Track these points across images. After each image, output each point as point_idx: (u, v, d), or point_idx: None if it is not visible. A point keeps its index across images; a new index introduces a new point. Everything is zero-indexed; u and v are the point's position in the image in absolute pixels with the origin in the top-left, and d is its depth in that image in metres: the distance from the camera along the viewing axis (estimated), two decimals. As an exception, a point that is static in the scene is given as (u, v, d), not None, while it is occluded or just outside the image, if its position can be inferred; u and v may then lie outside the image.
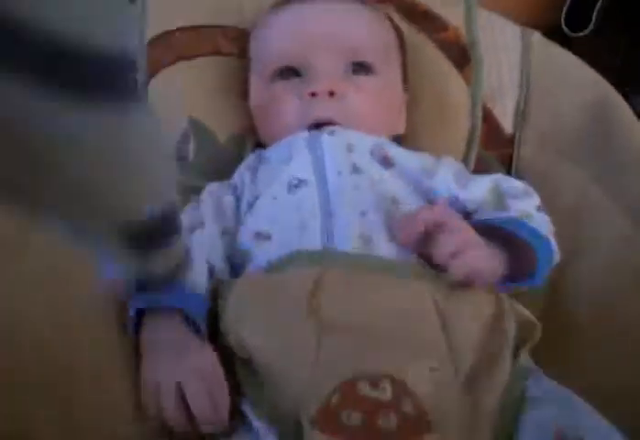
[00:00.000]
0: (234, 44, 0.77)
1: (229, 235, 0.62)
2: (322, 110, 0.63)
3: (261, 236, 0.58)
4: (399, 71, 0.72)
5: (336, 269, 0.53)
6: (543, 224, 0.59)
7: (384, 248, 0.55)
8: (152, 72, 0.74)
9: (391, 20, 0.75)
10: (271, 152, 0.65)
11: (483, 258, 0.52)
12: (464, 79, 0.77)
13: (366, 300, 0.51)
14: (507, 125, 0.78)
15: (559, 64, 0.80)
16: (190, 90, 0.74)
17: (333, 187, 0.59)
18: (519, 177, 0.74)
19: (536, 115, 0.77)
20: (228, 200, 0.64)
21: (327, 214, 0.57)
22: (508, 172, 0.76)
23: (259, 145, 0.72)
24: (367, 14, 0.71)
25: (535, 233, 0.57)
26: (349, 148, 0.61)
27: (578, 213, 0.68)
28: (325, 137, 0.62)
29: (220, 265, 0.60)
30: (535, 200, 0.63)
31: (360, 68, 0.66)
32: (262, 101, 0.69)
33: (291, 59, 0.66)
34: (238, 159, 0.71)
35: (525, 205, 0.61)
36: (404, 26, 0.78)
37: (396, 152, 0.63)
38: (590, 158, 0.70)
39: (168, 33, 0.75)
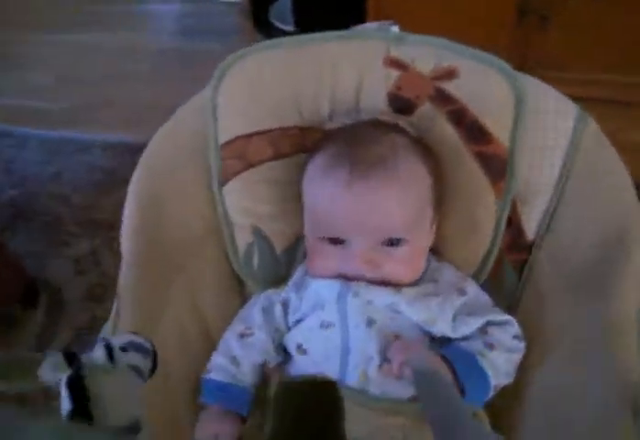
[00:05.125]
0: (293, 144, 0.81)
1: (279, 333, 0.77)
2: (359, 273, 0.73)
3: (301, 349, 0.74)
4: (430, 215, 0.76)
5: None
6: (498, 359, 0.69)
7: (377, 386, 0.69)
8: (225, 180, 0.82)
9: (430, 159, 0.76)
10: (313, 283, 0.76)
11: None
12: (496, 193, 0.78)
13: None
14: (530, 231, 0.80)
15: (598, 171, 0.77)
16: (256, 199, 0.82)
17: (352, 335, 0.71)
18: (524, 289, 0.80)
19: (558, 230, 0.78)
20: (278, 309, 0.78)
21: (346, 353, 0.71)
22: (519, 278, 0.80)
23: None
24: (408, 187, 0.72)
25: (470, 370, 0.68)
26: (369, 303, 0.71)
27: (555, 340, 0.73)
28: (350, 297, 0.71)
29: (271, 357, 0.77)
30: (514, 330, 0.73)
31: (393, 241, 0.72)
32: (309, 247, 0.77)
33: (333, 234, 0.73)
34: (290, 267, 0.82)
35: (503, 334, 0.72)
36: (451, 132, 0.78)
37: (405, 308, 0.71)
38: (585, 294, 0.72)
39: (238, 139, 0.80)
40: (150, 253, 0.76)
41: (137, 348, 0.48)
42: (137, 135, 1.84)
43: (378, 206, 0.71)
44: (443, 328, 0.71)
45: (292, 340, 0.75)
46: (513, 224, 0.80)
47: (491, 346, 0.70)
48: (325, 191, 0.73)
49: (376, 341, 0.69)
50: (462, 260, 0.80)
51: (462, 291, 0.74)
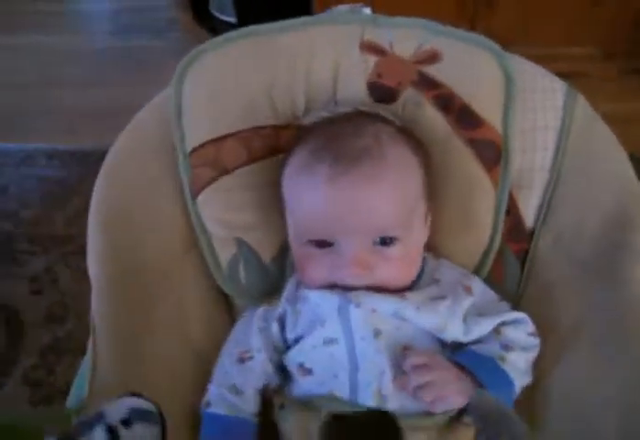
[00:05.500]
0: (267, 145, 0.74)
1: (278, 353, 0.70)
2: (352, 280, 0.65)
3: (304, 369, 0.66)
4: (423, 209, 0.69)
5: None
6: (518, 360, 0.64)
7: (394, 401, 0.62)
8: (197, 190, 0.73)
9: (419, 148, 0.69)
10: (308, 295, 0.68)
11: (451, 389, 0.61)
12: (492, 181, 0.72)
13: None
14: (529, 218, 0.75)
15: (594, 148, 0.73)
16: (234, 208, 0.74)
17: (359, 350, 0.64)
18: (529, 279, 0.75)
19: (559, 214, 0.74)
20: (275, 327, 0.70)
21: (355, 370, 0.64)
22: (522, 268, 0.76)
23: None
24: (398, 179, 0.65)
25: (493, 376, 0.63)
26: (373, 312, 0.64)
27: (567, 336, 0.68)
28: (352, 308, 0.64)
29: (274, 380, 0.69)
30: (529, 327, 0.67)
31: (386, 239, 0.65)
32: (296, 253, 0.69)
33: (321, 236, 0.65)
34: (281, 277, 0.75)
35: (518, 333, 0.66)
36: (439, 118, 0.72)
37: (412, 315, 0.65)
38: (594, 282, 0.68)
39: (207, 144, 0.72)
40: (124, 278, 0.67)
41: (141, 416, 0.40)
42: (81, 141, 1.74)
43: (365, 202, 0.63)
44: (454, 333, 0.66)
45: (292, 360, 0.68)
46: (511, 212, 0.75)
47: (508, 348, 0.65)
48: (306, 189, 0.65)
49: (386, 353, 0.63)
50: (461, 255, 0.74)
51: (469, 290, 0.68)
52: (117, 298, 0.66)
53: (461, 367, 0.63)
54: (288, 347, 0.69)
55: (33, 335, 1.35)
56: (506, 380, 0.63)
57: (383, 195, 0.63)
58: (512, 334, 0.66)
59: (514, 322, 0.67)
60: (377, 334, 0.64)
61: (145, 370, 0.65)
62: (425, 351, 0.64)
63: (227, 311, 0.80)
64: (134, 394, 0.44)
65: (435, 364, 0.62)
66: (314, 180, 0.64)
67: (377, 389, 0.62)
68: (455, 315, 0.65)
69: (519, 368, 0.64)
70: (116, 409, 0.41)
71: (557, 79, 0.75)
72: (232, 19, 2.02)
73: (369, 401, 0.62)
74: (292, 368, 0.68)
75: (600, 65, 1.89)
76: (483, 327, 0.66)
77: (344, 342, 0.64)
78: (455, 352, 0.66)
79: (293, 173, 0.68)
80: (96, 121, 1.74)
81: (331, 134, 0.67)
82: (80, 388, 0.61)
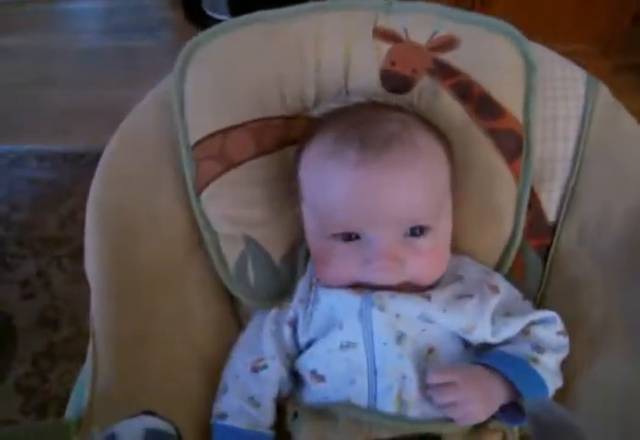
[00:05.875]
0: (277, 137, 0.69)
1: (290, 358, 0.65)
2: (381, 278, 0.60)
3: (317, 376, 0.62)
4: (450, 199, 0.65)
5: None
6: (550, 362, 0.60)
7: (416, 407, 0.58)
8: (202, 186, 0.68)
9: (443, 137, 0.65)
10: (324, 296, 0.64)
11: (476, 405, 0.57)
12: (513, 173, 0.68)
13: None
14: (551, 212, 0.71)
15: (617, 137, 0.69)
16: (238, 204, 0.69)
17: (379, 354, 0.59)
18: (552, 275, 0.71)
19: (582, 206, 0.70)
20: (287, 332, 0.65)
21: (373, 374, 0.59)
22: (544, 264, 0.72)
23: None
24: (428, 167, 0.61)
25: (526, 379, 0.58)
26: (397, 316, 0.60)
27: (595, 335, 0.65)
28: (375, 312, 0.59)
29: (287, 386, 0.65)
30: (558, 326, 0.63)
31: (417, 229, 0.61)
32: (318, 250, 0.64)
33: (348, 227, 0.60)
34: (292, 277, 0.70)
35: (548, 332, 0.62)
36: (457, 108, 0.68)
37: (439, 317, 0.60)
38: (620, 278, 0.64)
39: (212, 136, 0.67)
40: (124, 279, 0.63)
41: (158, 438, 0.35)
42: (70, 142, 1.69)
43: (397, 189, 0.58)
44: (482, 334, 0.61)
45: (304, 366, 0.63)
46: (532, 205, 0.71)
47: (539, 349, 0.60)
48: (332, 177, 0.60)
49: (410, 358, 0.59)
50: (482, 252, 0.70)
51: (495, 289, 0.64)
52: (117, 300, 0.61)
53: (490, 368, 0.58)
54: (300, 352, 0.65)
55: (25, 342, 1.30)
56: (540, 383, 0.58)
57: (415, 182, 0.59)
58: (541, 333, 0.62)
59: (544, 321, 0.63)
60: (400, 338, 0.59)
61: (149, 377, 0.60)
62: (450, 363, 0.60)
63: (234, 313, 0.75)
64: (148, 412, 0.39)
65: (461, 380, 0.57)
66: (341, 166, 0.59)
67: (398, 394, 0.58)
68: (483, 315, 0.61)
69: (551, 369, 0.60)
70: (130, 429, 0.36)
71: (577, 68, 0.72)
72: (226, 17, 1.97)
73: (389, 407, 0.58)
74: (305, 374, 0.63)
75: (596, 62, 1.87)
76: (512, 328, 0.62)
77: (363, 346, 0.60)
78: (483, 353, 0.61)
79: (315, 160, 0.63)
80: (89, 122, 1.69)
81: (355, 120, 0.63)
82: (80, 395, 0.57)
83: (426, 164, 0.60)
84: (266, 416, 0.62)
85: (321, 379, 0.61)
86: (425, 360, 0.60)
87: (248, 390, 0.62)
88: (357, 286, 0.62)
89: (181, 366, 0.65)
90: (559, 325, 0.63)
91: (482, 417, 0.57)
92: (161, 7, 2.21)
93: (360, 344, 0.60)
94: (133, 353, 0.60)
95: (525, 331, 0.62)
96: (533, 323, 0.62)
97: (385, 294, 0.60)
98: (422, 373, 0.59)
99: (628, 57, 1.90)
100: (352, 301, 0.60)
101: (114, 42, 2.11)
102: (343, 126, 0.62)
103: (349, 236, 0.60)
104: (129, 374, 0.59)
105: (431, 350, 0.60)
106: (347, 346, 0.60)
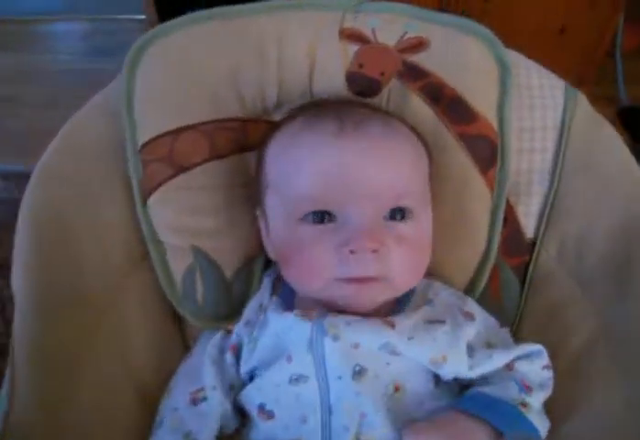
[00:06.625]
0: (232, 140, 0.63)
1: (235, 390, 0.57)
2: (362, 269, 0.52)
3: (265, 412, 0.54)
4: (429, 199, 0.59)
5: None
6: (538, 403, 0.53)
7: None
8: (149, 191, 0.61)
9: (418, 135, 0.60)
10: (273, 320, 0.56)
11: None
12: (487, 183, 0.62)
13: None
14: (529, 228, 0.65)
15: (598, 150, 0.64)
16: (188, 212, 0.62)
17: (333, 390, 0.52)
18: (530, 295, 0.65)
19: (563, 221, 0.64)
20: (230, 359, 0.57)
21: (327, 411, 0.52)
22: (522, 283, 0.65)
23: (268, 262, 0.64)
24: (410, 148, 0.56)
25: (521, 432, 0.51)
26: (355, 346, 0.52)
27: (577, 363, 0.58)
28: (327, 342, 0.51)
29: (232, 422, 0.57)
30: (543, 360, 0.56)
31: (398, 213, 0.54)
32: (288, 243, 0.55)
33: (325, 204, 0.52)
34: (246, 295, 0.63)
35: (533, 367, 0.55)
36: (428, 112, 0.62)
37: (404, 347, 0.52)
38: (605, 298, 0.58)
39: (161, 137, 0.60)
40: (55, 296, 0.54)
41: None
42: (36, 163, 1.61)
43: (383, 157, 0.52)
44: (456, 367, 0.53)
45: (250, 400, 0.55)
46: (508, 220, 0.65)
47: (528, 389, 0.53)
48: (307, 148, 0.53)
49: (371, 396, 0.51)
50: (454, 267, 0.63)
51: (469, 316, 0.57)
52: (44, 319, 0.53)
53: (475, 416, 0.50)
54: (244, 384, 0.57)
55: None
56: (533, 433, 0.51)
57: (399, 156, 0.54)
58: (525, 368, 0.55)
59: (529, 355, 0.56)
60: (359, 373, 0.51)
61: (76, 411, 0.51)
62: (427, 411, 0.52)
63: (181, 335, 0.67)
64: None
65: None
66: (318, 137, 0.53)
67: (355, 435, 0.50)
68: (457, 344, 0.53)
69: (539, 412, 0.52)
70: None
71: (554, 76, 0.67)
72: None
73: None
74: (251, 409, 0.55)
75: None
76: (495, 362, 0.54)
77: (315, 379, 0.52)
78: (465, 395, 0.53)
79: (287, 137, 0.57)
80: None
81: (327, 105, 0.58)
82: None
83: (409, 143, 0.56)
84: None
85: (269, 415, 0.53)
86: (391, 400, 0.51)
87: (184, 426, 0.54)
88: (328, 302, 0.54)
89: (114, 397, 0.56)
90: (545, 359, 0.56)
91: None
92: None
93: (312, 377, 0.52)
94: (58, 381, 0.51)
95: (509, 366, 0.55)
96: (518, 357, 0.55)
97: (340, 321, 0.52)
98: (386, 412, 0.50)
99: (602, 88, 1.89)
100: (301, 328, 0.52)
101: (90, 64, 2.06)
102: (314, 109, 0.57)
103: (322, 218, 0.53)
104: (53, 406, 0.50)
105: (397, 388, 0.52)
106: (297, 379, 0.52)
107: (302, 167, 0.53)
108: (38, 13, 2.15)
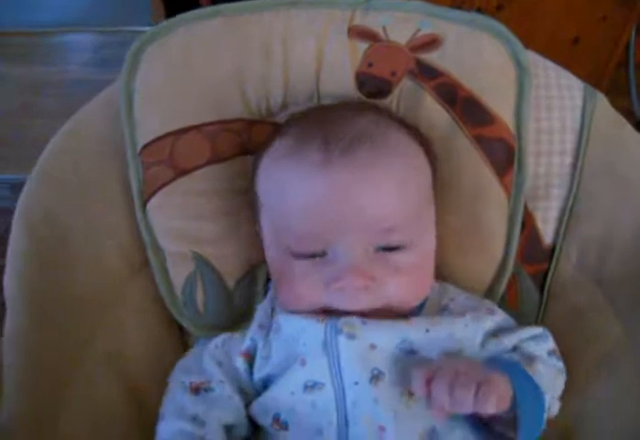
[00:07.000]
0: (236, 143, 0.60)
1: (247, 395, 0.53)
2: (351, 301, 0.49)
3: (279, 423, 0.50)
4: (433, 211, 0.55)
5: None
6: (542, 370, 0.51)
7: None
8: (149, 194, 0.58)
9: (423, 139, 0.56)
10: (285, 324, 0.53)
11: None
12: (504, 188, 0.59)
13: None
14: (547, 234, 0.62)
15: (618, 151, 0.60)
16: (188, 217, 0.59)
17: (350, 397, 0.48)
18: (550, 304, 0.61)
19: (583, 226, 0.60)
20: (241, 365, 0.54)
21: (344, 423, 0.48)
22: (541, 291, 0.61)
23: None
24: (402, 169, 0.51)
25: (523, 380, 0.47)
26: (372, 347, 0.49)
27: (601, 369, 0.55)
28: (342, 340, 0.48)
29: (239, 421, 0.52)
30: (549, 345, 0.54)
31: (392, 244, 0.50)
32: (279, 270, 0.53)
33: (313, 243, 0.50)
34: (249, 304, 0.59)
35: (538, 349, 0.53)
36: (442, 113, 0.59)
37: (421, 345, 0.50)
38: (629, 303, 0.55)
39: (162, 139, 0.57)
40: (49, 306, 0.52)
41: None
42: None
43: (371, 189, 0.48)
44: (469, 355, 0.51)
45: (264, 409, 0.51)
46: (526, 226, 0.61)
47: (530, 358, 0.51)
48: (291, 179, 0.50)
49: (387, 403, 0.47)
50: (469, 277, 0.60)
51: (490, 311, 0.54)
52: (37, 327, 0.50)
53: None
54: (257, 393, 0.53)
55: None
56: (536, 389, 0.47)
57: (387, 185, 0.49)
58: (531, 348, 0.53)
59: (534, 337, 0.54)
60: (377, 377, 0.48)
61: (67, 426, 0.48)
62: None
63: (182, 346, 0.63)
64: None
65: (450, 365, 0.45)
66: (301, 167, 0.49)
67: None
68: (474, 337, 0.51)
69: (546, 381, 0.50)
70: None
71: (573, 76, 0.64)
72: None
73: None
74: (264, 419, 0.51)
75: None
76: (502, 346, 0.52)
77: (331, 386, 0.48)
78: None
79: (274, 163, 0.53)
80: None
81: (319, 119, 0.54)
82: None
83: (401, 166, 0.51)
84: (217, 436, 0.49)
85: (284, 426, 0.50)
86: (407, 407, 0.48)
87: (187, 411, 0.50)
88: (324, 312, 0.51)
89: (110, 411, 0.53)
90: (550, 342, 0.54)
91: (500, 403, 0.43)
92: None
93: (328, 384, 0.48)
94: (50, 394, 0.48)
95: (514, 348, 0.53)
96: (522, 340, 0.53)
97: (356, 320, 0.49)
98: (401, 425, 0.47)
99: (614, 100, 1.87)
100: (314, 329, 0.49)
101: (101, 75, 2.05)
102: (305, 125, 0.53)
103: (312, 253, 0.50)
104: (43, 420, 0.47)
105: (412, 394, 0.48)
106: (312, 386, 0.49)
107: (285, 200, 0.51)
108: (49, 25, 2.16)
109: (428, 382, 0.44)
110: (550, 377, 0.52)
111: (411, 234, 0.50)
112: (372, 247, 0.49)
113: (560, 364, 0.54)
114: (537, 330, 0.55)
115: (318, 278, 0.50)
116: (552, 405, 0.52)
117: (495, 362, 0.49)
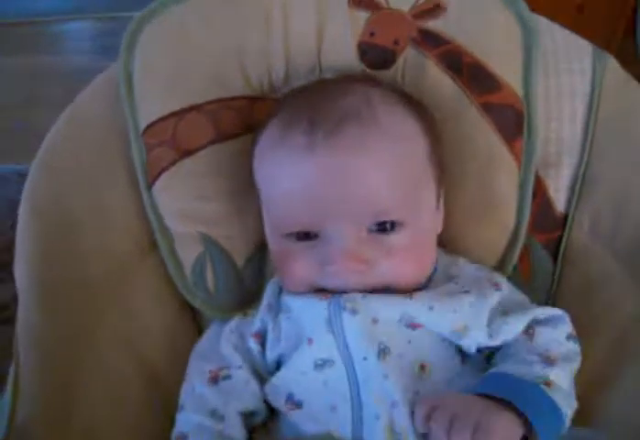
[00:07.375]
0: (238, 121, 0.58)
1: (262, 377, 0.53)
2: (344, 283, 0.49)
3: (293, 402, 0.50)
4: (432, 189, 0.53)
5: None
6: (564, 379, 0.48)
7: (412, 436, 0.46)
8: (154, 176, 0.57)
9: (422, 111, 0.54)
10: (292, 302, 0.52)
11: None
12: (513, 155, 0.57)
13: None
14: (559, 201, 0.60)
15: (631, 115, 0.59)
16: (198, 196, 0.58)
17: (361, 374, 0.48)
18: (564, 273, 0.60)
19: (596, 193, 0.59)
20: (254, 346, 0.53)
21: (357, 399, 0.47)
22: (554, 261, 0.60)
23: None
24: (390, 148, 0.49)
25: (543, 413, 0.45)
26: (374, 321, 0.48)
27: (621, 341, 0.53)
28: (346, 316, 0.48)
29: (257, 407, 0.52)
30: (567, 328, 0.51)
31: (388, 223, 0.49)
32: (275, 251, 0.53)
33: (303, 226, 0.49)
34: (259, 283, 0.59)
35: (555, 335, 0.50)
36: (447, 82, 0.57)
37: (425, 319, 0.49)
38: None
39: (164, 119, 0.56)
40: (60, 288, 0.51)
41: None
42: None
43: (353, 175, 0.47)
44: (478, 336, 0.49)
45: (277, 390, 0.51)
46: (538, 194, 0.59)
47: (550, 361, 0.48)
48: (278, 166, 0.49)
49: (397, 378, 0.46)
50: (481, 248, 0.58)
51: (497, 285, 0.53)
52: (50, 312, 0.49)
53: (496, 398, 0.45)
54: (270, 373, 0.53)
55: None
56: (557, 415, 0.45)
57: (376, 166, 0.48)
58: (548, 335, 0.50)
59: (550, 320, 0.51)
60: (383, 352, 0.47)
61: (84, 404, 0.48)
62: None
63: (196, 325, 0.63)
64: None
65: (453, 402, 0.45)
66: (288, 152, 0.49)
67: (387, 424, 0.46)
68: (480, 314, 0.49)
69: (565, 390, 0.47)
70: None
71: (580, 38, 0.62)
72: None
73: (376, 438, 0.46)
74: (278, 399, 0.51)
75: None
76: (513, 327, 0.50)
77: (341, 361, 0.48)
78: (486, 376, 0.48)
79: (263, 150, 0.52)
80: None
81: (308, 98, 0.52)
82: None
83: (391, 144, 0.49)
84: (234, 429, 0.49)
85: (297, 405, 0.49)
86: (419, 381, 0.47)
87: (207, 404, 0.50)
88: (323, 291, 0.50)
89: (126, 387, 0.53)
90: (569, 326, 0.51)
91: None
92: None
93: (338, 361, 0.48)
94: (65, 370, 0.48)
95: (529, 333, 0.50)
96: (537, 322, 0.51)
97: (357, 295, 0.48)
98: (414, 398, 0.46)
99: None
100: (318, 307, 0.49)
101: (102, 62, 2.04)
102: (295, 105, 0.52)
103: (306, 235, 0.50)
104: (59, 397, 0.47)
105: (423, 367, 0.48)
106: (322, 364, 0.48)
107: (276, 185, 0.51)
108: (48, 14, 2.14)
109: (428, 419, 0.43)
110: (567, 380, 0.48)
111: (404, 214, 0.49)
112: (365, 229, 0.48)
113: (577, 347, 0.51)
114: (555, 311, 0.52)
115: (312, 260, 0.49)
116: (571, 410, 0.48)
117: (509, 387, 0.46)
